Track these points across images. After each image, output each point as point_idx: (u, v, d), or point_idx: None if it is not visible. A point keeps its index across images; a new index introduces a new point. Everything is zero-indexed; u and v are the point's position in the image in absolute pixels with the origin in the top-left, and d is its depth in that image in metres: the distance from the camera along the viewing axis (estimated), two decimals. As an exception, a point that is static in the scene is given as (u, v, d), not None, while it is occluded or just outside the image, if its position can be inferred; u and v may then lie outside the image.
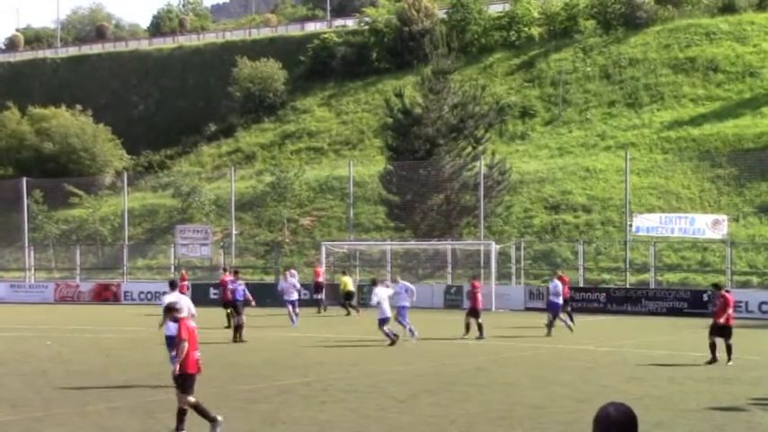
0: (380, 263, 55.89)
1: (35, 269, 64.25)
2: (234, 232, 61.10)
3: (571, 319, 34.50)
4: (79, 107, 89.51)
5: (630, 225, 49.94)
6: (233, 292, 32.26)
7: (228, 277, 34.71)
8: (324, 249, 51.68)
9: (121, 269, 61.19)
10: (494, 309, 44.81)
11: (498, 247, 49.76)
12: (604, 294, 45.98)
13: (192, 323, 15.30)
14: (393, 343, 28.97)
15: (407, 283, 31.52)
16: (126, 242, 63.15)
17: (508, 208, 60.69)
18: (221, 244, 60.41)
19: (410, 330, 30.12)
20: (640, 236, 49.94)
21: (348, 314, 43.78)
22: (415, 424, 16.13)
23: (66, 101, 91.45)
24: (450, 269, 53.42)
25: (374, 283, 31.21)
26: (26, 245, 64.42)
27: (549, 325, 32.67)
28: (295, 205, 69.43)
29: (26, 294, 56.59)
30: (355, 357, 26.48)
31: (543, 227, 60.61)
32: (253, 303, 33.16)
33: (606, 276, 53.31)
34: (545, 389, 20.03)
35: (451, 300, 47.98)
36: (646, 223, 49.00)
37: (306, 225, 68.18)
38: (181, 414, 14.98)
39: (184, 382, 14.93)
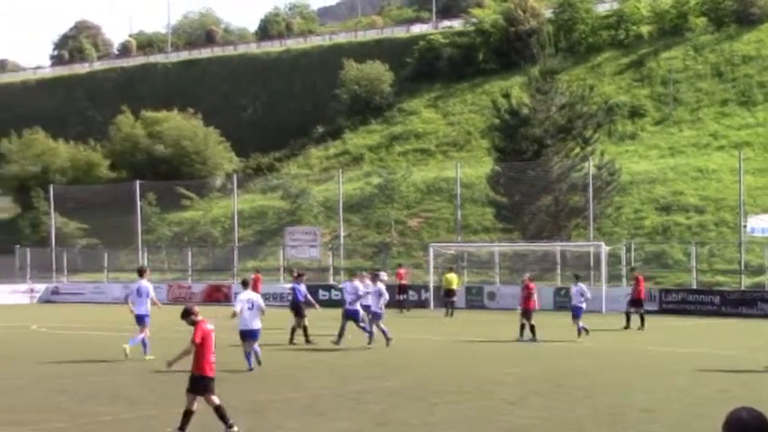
0: (488, 264, 55.72)
1: (149, 270, 65.51)
2: (342, 234, 61.50)
3: (642, 321, 35.09)
4: (190, 110, 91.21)
5: (745, 226, 48.84)
6: (293, 292, 32.01)
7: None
8: (431, 251, 51.68)
9: (232, 270, 62.05)
10: (604, 311, 44.31)
11: (608, 248, 49.18)
12: (719, 297, 45.02)
13: (209, 326, 15.24)
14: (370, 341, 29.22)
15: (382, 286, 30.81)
16: (236, 244, 64.04)
17: (618, 209, 59.92)
18: (330, 245, 60.87)
19: (371, 333, 29.70)
20: (756, 237, 48.83)
21: (448, 314, 43.37)
22: (526, 426, 16.01)
23: (177, 104, 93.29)
24: (559, 270, 52.96)
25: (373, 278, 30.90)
26: (140, 246, 65.81)
27: (580, 329, 31.75)
28: (403, 207, 69.68)
29: (140, 295, 57.74)
30: (460, 359, 26.45)
31: (654, 228, 59.68)
32: (316, 307, 31.86)
33: (720, 278, 52.19)
34: (655, 392, 19.70)
35: (561, 301, 47.45)
36: (761, 224, 47.88)
37: (414, 226, 68.34)
38: (186, 415, 14.96)
39: (204, 385, 14.93)
